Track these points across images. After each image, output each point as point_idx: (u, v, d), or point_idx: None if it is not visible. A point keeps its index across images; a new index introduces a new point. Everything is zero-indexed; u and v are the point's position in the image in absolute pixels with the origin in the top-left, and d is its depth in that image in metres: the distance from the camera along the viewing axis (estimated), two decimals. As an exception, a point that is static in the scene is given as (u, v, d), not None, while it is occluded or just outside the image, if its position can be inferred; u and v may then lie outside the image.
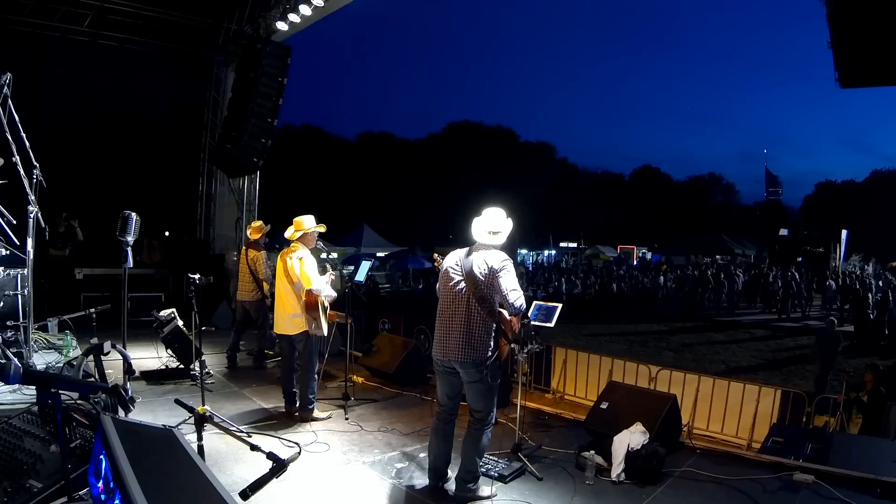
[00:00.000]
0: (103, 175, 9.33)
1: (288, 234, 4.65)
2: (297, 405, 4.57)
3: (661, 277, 24.05)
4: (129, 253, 5.16)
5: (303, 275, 4.40)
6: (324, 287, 4.49)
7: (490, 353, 3.18)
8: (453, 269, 3.26)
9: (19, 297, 5.35)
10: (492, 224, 3.27)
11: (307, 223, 4.62)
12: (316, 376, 4.60)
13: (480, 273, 3.12)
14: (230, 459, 3.47)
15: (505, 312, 3.30)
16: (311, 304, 4.42)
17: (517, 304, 3.15)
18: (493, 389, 3.23)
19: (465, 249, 3.31)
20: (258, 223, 6.48)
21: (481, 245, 3.25)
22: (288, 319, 4.55)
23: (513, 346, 3.43)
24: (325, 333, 4.65)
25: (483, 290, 3.12)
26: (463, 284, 3.17)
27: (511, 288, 3.13)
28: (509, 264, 3.16)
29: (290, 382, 4.68)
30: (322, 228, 4.73)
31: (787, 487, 3.46)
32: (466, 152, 47.46)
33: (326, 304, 4.59)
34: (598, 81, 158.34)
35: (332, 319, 5.12)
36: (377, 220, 33.99)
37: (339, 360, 6.12)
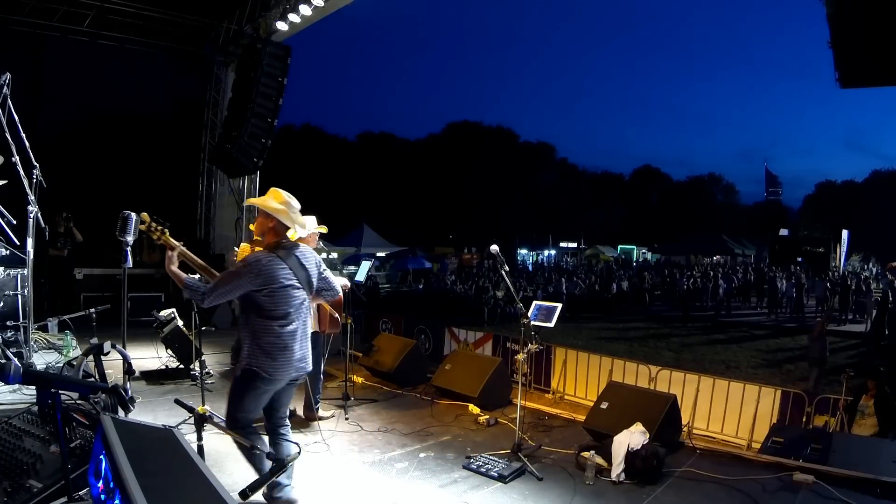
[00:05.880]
0: (103, 175, 9.31)
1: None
2: (303, 405, 4.53)
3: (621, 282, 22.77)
4: (129, 253, 5.16)
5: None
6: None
7: None
8: (289, 280, 2.84)
9: (19, 297, 5.34)
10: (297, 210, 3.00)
11: (310, 226, 4.53)
12: (321, 376, 4.57)
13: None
14: (230, 459, 3.46)
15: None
16: (337, 303, 4.28)
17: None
18: None
19: (285, 252, 2.87)
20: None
21: (297, 241, 3.14)
22: None
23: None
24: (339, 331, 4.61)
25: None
26: (305, 296, 2.95)
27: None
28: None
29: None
30: (324, 229, 4.68)
31: (787, 487, 3.45)
32: (466, 152, 47.42)
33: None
34: (599, 81, 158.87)
35: None
36: (377, 220, 34.00)
37: (339, 360, 6.12)
